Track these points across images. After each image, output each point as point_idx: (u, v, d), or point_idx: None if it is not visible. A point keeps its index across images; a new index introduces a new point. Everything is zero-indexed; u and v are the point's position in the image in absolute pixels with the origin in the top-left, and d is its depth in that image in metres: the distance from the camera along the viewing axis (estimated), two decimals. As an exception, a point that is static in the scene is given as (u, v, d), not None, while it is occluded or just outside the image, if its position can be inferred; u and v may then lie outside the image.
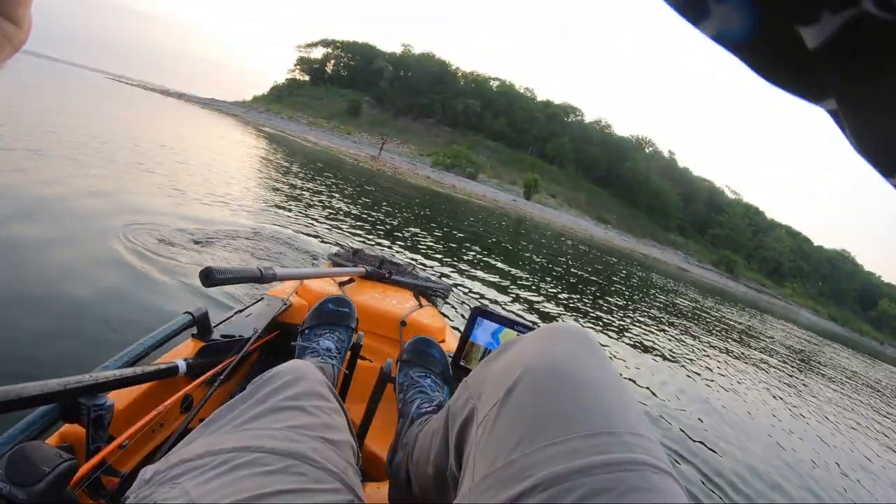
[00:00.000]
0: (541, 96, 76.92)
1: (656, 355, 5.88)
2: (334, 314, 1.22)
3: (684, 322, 10.30)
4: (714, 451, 3.44)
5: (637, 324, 7.72)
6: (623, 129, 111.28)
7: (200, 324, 1.11)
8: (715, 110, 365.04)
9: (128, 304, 2.43)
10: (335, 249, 2.29)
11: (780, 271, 78.20)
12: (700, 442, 3.53)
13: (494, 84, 74.22)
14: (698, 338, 9.04)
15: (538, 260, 11.06)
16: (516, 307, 5.40)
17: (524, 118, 68.92)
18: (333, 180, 12.59)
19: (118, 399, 0.83)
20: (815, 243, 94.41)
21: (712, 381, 5.89)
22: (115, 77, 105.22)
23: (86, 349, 1.95)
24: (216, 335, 1.14)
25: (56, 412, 0.72)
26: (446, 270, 5.81)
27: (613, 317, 7.27)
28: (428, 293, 1.98)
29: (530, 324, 1.11)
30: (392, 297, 1.77)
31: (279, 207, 6.14)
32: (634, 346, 5.88)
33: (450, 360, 1.19)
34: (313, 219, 6.08)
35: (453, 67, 74.58)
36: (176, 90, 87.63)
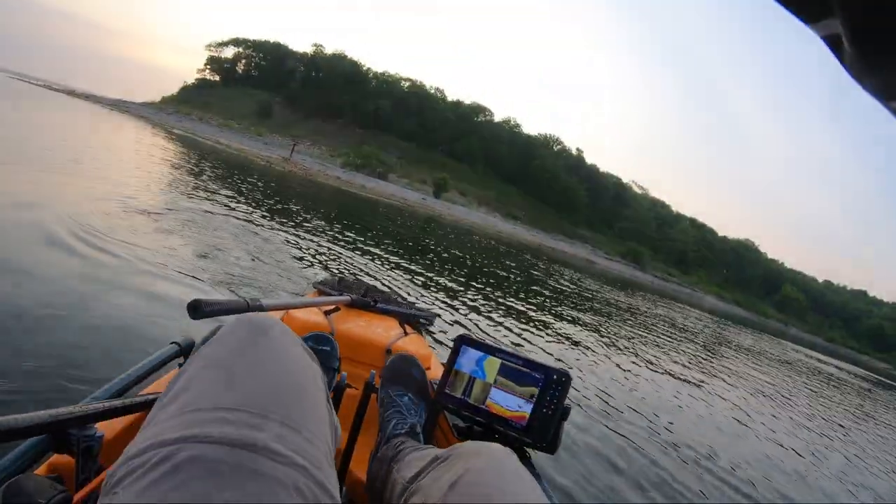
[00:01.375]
0: (451, 97, 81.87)
1: (567, 341, 6.82)
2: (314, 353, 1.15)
3: (591, 309, 11.92)
4: (627, 420, 4.24)
5: (543, 312, 8.77)
6: (532, 127, 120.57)
7: (187, 353, 1.15)
8: (624, 109, 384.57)
9: (113, 335, 2.72)
10: (321, 277, 2.46)
11: (685, 261, 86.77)
12: (618, 412, 4.34)
13: (405, 85, 78.63)
14: (607, 324, 10.52)
15: (444, 255, 12.02)
16: (420, 299, 5.94)
17: (434, 118, 73.47)
18: (246, 184, 13.43)
19: (107, 429, 0.88)
20: (721, 234, 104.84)
21: (630, 364, 6.96)
22: (16, 76, 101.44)
23: (73, 381, 2.15)
24: None
25: (45, 443, 0.74)
26: (354, 267, 6.40)
27: (515, 305, 8.19)
28: (413, 321, 2.09)
29: (513, 352, 1.25)
30: (377, 325, 1.89)
31: (202, 212, 6.67)
32: (541, 334, 6.69)
33: (435, 388, 1.32)
34: (227, 221, 6.62)
35: (365, 68, 78.33)
36: (83, 90, 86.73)
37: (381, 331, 1.82)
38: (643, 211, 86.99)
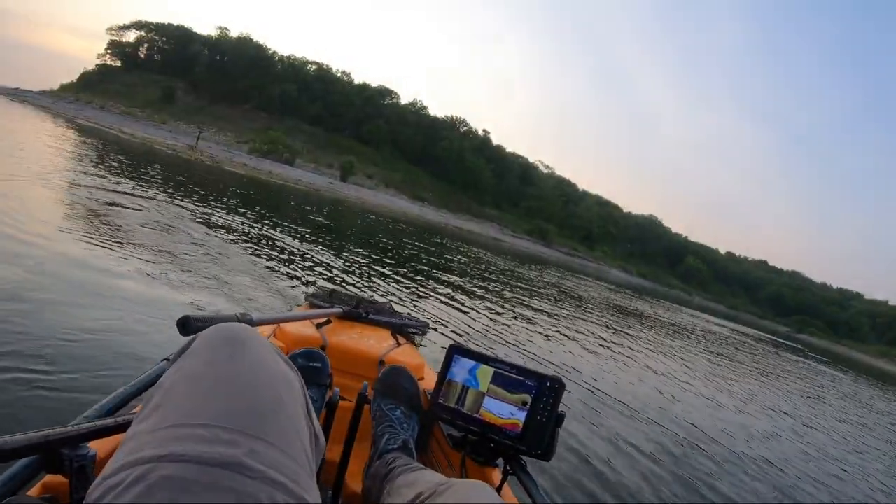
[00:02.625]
0: (358, 80, 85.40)
1: (474, 314, 7.50)
2: (305, 371, 1.29)
3: (498, 284, 12.73)
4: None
5: (450, 288, 9.34)
6: (439, 110, 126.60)
7: None
8: (532, 90, 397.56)
9: (104, 354, 2.86)
10: (312, 290, 2.54)
11: (591, 237, 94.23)
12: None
13: (311, 68, 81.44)
14: (514, 295, 11.33)
15: (353, 239, 12.74)
16: (328, 279, 6.61)
17: (341, 102, 76.64)
18: (152, 174, 13.82)
19: (100, 448, 0.88)
20: (625, 210, 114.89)
21: (550, 333, 7.88)
22: None
23: (65, 401, 2.29)
24: None
25: (38, 464, 0.75)
26: (268, 258, 6.75)
27: (424, 284, 8.70)
28: (406, 331, 2.17)
29: (505, 360, 1.30)
30: (369, 336, 1.95)
31: (105, 203, 7.05)
32: (448, 306, 7.37)
33: (429, 397, 1.38)
34: (133, 215, 6.94)
35: (271, 51, 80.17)
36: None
37: (374, 342, 1.89)
38: (549, 189, 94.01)
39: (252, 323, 1.25)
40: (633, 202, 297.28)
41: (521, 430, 1.22)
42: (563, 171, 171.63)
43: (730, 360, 14.33)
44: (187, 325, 1.03)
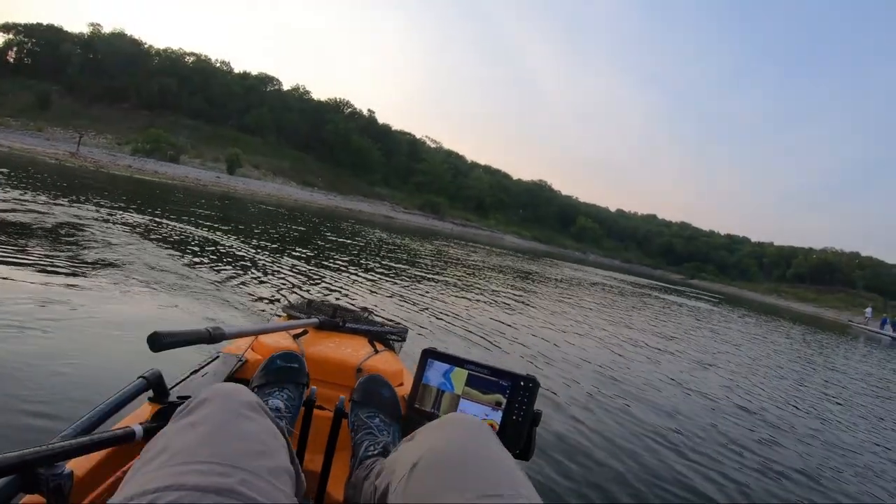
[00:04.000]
0: (238, 68, 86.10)
1: (381, 288, 8.33)
2: (282, 371, 1.42)
3: (401, 261, 13.46)
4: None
5: (344, 265, 10.12)
6: (322, 93, 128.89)
7: (155, 386, 1.25)
8: (415, 66, 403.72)
9: (77, 373, 3.00)
10: (289, 301, 2.72)
11: (483, 206, 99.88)
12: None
13: (189, 60, 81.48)
14: (417, 269, 12.28)
15: (244, 230, 13.10)
16: (230, 275, 6.94)
17: (222, 93, 77.44)
18: (37, 185, 13.58)
19: (77, 467, 0.95)
20: (515, 178, 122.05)
21: (459, 301, 8.83)
22: None
23: (40, 420, 2.38)
24: (173, 397, 1.29)
25: (14, 484, 0.78)
26: (166, 261, 6.98)
27: (322, 265, 9.40)
28: (384, 338, 2.23)
29: (479, 362, 1.35)
30: (347, 345, 2.01)
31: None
32: (351, 283, 8.34)
33: (405, 402, 1.43)
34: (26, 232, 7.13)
35: (147, 45, 79.43)
36: None
37: (351, 350, 1.94)
38: (438, 164, 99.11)
39: (224, 336, 1.32)
40: (522, 169, 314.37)
41: (498, 431, 1.28)
42: (450, 144, 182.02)
43: (622, 306, 16.02)
44: (157, 342, 1.08)
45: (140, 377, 1.20)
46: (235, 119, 77.16)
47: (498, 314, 8.79)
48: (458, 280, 12.70)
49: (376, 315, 2.59)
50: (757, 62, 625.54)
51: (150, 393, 1.25)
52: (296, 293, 6.85)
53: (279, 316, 2.42)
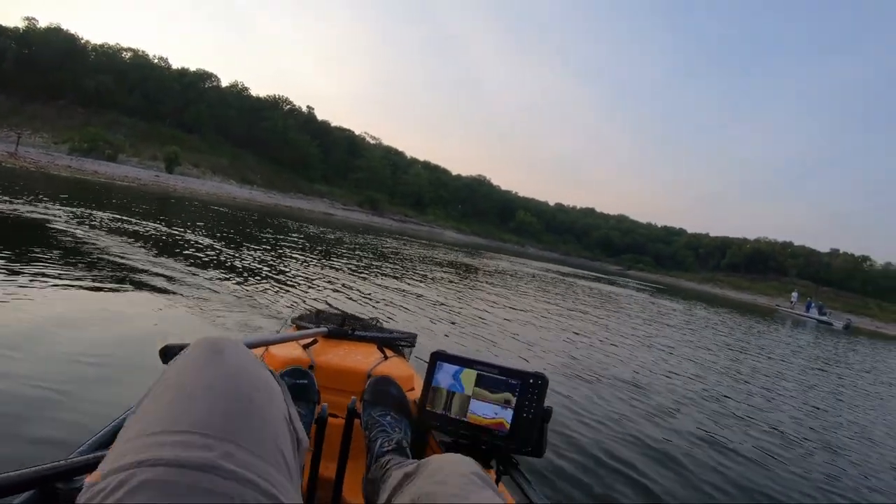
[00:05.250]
0: (176, 64, 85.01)
1: (316, 285, 8.47)
2: (292, 388, 1.40)
3: (338, 255, 13.95)
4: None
5: (282, 263, 10.40)
6: (261, 90, 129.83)
7: None
8: (354, 61, 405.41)
9: (92, 387, 3.05)
10: (298, 312, 2.71)
11: (422, 202, 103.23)
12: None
13: (127, 55, 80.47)
14: (356, 264, 12.63)
15: (180, 230, 12.81)
16: (164, 273, 7.10)
17: (159, 89, 76.80)
18: None
19: None
20: (455, 173, 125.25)
21: (395, 294, 9.15)
22: None
23: (59, 435, 2.45)
24: None
25: (34, 500, 0.79)
26: (104, 262, 7.10)
27: (246, 263, 9.48)
28: (393, 344, 2.32)
29: (488, 362, 1.38)
30: (357, 352, 2.09)
31: None
32: (295, 283, 8.44)
33: (416, 405, 1.45)
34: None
35: (83, 40, 77.65)
36: None
37: (361, 357, 2.02)
38: (377, 160, 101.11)
39: None
40: (462, 165, 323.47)
41: (510, 430, 1.32)
42: (390, 140, 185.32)
43: (555, 293, 16.78)
44: (168, 354, 1.10)
45: None
46: (173, 117, 77.01)
47: (438, 300, 9.64)
48: (396, 272, 13.31)
49: (385, 322, 2.64)
50: (696, 59, 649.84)
51: None
52: (283, 299, 7.24)
53: (288, 327, 2.52)
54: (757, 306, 57.24)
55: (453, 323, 8.14)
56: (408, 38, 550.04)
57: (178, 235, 12.33)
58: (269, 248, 13.51)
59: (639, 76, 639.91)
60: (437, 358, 1.42)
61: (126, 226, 12.04)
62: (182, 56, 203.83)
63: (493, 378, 1.35)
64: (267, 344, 1.86)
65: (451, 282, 13.90)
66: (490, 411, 1.33)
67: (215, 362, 0.75)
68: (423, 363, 1.55)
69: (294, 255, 13.01)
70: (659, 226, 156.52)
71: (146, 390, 0.76)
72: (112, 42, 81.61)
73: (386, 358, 2.06)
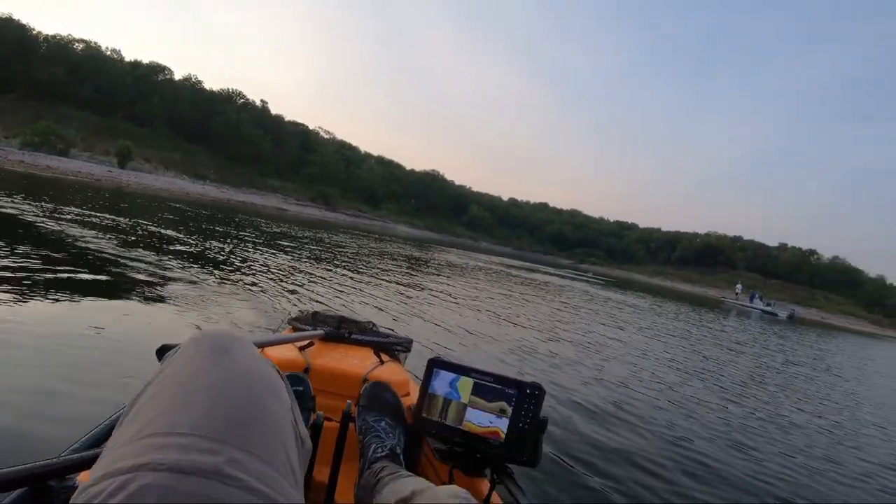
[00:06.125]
0: (129, 56, 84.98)
1: (267, 280, 8.48)
2: None
3: (291, 250, 14.04)
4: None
5: (239, 260, 10.41)
6: (214, 83, 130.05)
7: None
8: (308, 56, 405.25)
9: (87, 384, 3.02)
10: (295, 314, 2.70)
11: (375, 196, 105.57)
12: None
13: (79, 47, 79.35)
14: (312, 261, 12.79)
15: (132, 227, 12.72)
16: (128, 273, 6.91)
17: (112, 82, 76.26)
18: None
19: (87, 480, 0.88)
20: (409, 168, 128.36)
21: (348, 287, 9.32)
22: None
23: (51, 432, 2.42)
24: None
25: (25, 498, 0.78)
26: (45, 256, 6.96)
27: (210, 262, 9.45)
28: (389, 349, 2.35)
29: (485, 370, 1.38)
30: (353, 356, 2.11)
31: None
32: (240, 274, 8.44)
33: (412, 412, 1.47)
34: None
35: (35, 31, 76.22)
36: None
37: (357, 361, 2.04)
38: (330, 155, 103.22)
39: None
40: (416, 159, 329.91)
41: (505, 439, 1.34)
42: (344, 135, 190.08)
43: (507, 286, 16.99)
44: (165, 353, 1.01)
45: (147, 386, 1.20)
46: (126, 110, 76.94)
47: (387, 294, 9.77)
48: (348, 266, 13.42)
49: (381, 326, 2.67)
50: (650, 58, 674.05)
51: None
52: (277, 300, 7.17)
53: (283, 328, 2.55)
54: (706, 298, 59.32)
55: (400, 315, 8.29)
56: (361, 29, 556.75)
57: (143, 230, 12.78)
58: (234, 244, 13.72)
59: (595, 72, 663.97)
60: (434, 365, 1.45)
61: (91, 220, 12.44)
62: (134, 47, 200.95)
63: (490, 387, 1.38)
64: (264, 345, 1.85)
65: (400, 274, 14.21)
66: (485, 420, 1.36)
67: (221, 360, 0.73)
68: (419, 367, 1.65)
69: (267, 251, 13.43)
70: (611, 220, 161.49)
71: (140, 388, 0.74)
72: (64, 33, 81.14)
73: (382, 362, 2.11)
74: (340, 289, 9.43)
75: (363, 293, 9.42)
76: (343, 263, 13.91)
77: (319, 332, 2.18)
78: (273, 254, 13.08)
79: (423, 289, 12.04)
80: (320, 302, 7.81)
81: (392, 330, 2.68)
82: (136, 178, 50.24)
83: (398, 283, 11.83)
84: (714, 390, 7.66)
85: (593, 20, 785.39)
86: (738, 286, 67.34)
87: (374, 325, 2.60)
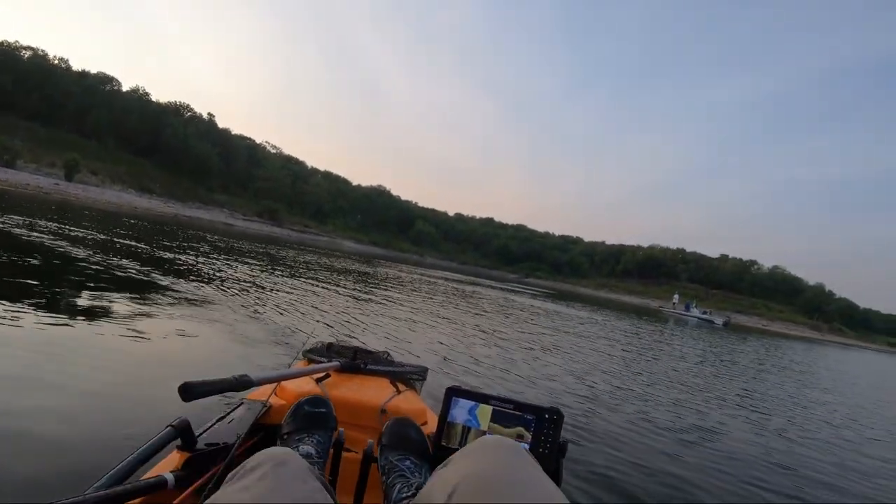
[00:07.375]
0: (77, 66, 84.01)
1: (214, 294, 8.49)
2: (311, 416, 1.50)
3: (231, 266, 14.00)
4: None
5: (180, 273, 10.40)
6: (162, 95, 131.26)
7: (183, 435, 1.32)
8: (255, 69, 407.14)
9: (103, 426, 3.00)
10: (309, 346, 2.76)
11: (321, 212, 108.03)
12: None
13: (26, 55, 77.85)
14: (246, 271, 13.14)
15: (74, 243, 12.00)
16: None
17: (59, 92, 75.27)
18: None
19: None
20: (355, 183, 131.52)
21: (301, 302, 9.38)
22: None
23: (71, 472, 2.39)
24: (200, 444, 1.37)
25: None
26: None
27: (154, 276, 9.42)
28: (405, 378, 2.38)
29: (503, 397, 1.40)
30: (369, 387, 2.14)
31: None
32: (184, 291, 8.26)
33: (431, 441, 1.45)
34: None
35: None
36: None
37: (374, 392, 2.06)
38: (277, 170, 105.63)
39: (252, 383, 1.48)
40: (362, 175, 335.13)
41: None
42: (291, 150, 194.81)
43: (446, 300, 17.14)
44: (189, 391, 1.18)
45: (168, 426, 1.31)
46: (73, 122, 76.66)
47: (330, 305, 9.96)
48: (290, 281, 13.39)
49: (396, 355, 2.72)
50: (592, 76, 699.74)
51: (179, 441, 1.35)
52: (293, 331, 7.10)
53: (299, 361, 2.59)
54: (648, 309, 61.69)
55: (335, 323, 8.40)
56: (310, 44, 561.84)
57: (94, 241, 12.99)
58: (204, 260, 13.91)
59: (539, 90, 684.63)
60: (453, 394, 1.45)
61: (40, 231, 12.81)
62: (80, 56, 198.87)
63: (509, 413, 1.39)
64: (280, 379, 1.90)
65: (345, 288, 14.19)
66: None
67: (280, 474, 0.84)
68: (436, 395, 1.70)
69: (237, 266, 13.91)
70: (556, 234, 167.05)
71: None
72: (11, 39, 79.31)
73: (399, 392, 2.13)
74: (314, 307, 9.63)
75: (319, 310, 9.54)
76: (312, 283, 14.05)
77: (335, 363, 2.26)
78: (238, 267, 13.85)
79: (373, 301, 12.42)
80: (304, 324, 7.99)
81: (407, 359, 2.82)
82: (84, 191, 50.46)
83: (351, 297, 12.26)
84: (652, 388, 8.15)
85: (535, 42, 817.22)
86: (676, 296, 72.41)
87: (388, 354, 2.71)
